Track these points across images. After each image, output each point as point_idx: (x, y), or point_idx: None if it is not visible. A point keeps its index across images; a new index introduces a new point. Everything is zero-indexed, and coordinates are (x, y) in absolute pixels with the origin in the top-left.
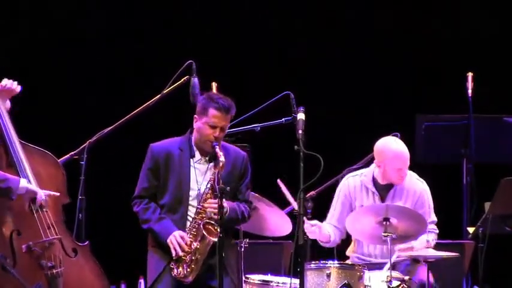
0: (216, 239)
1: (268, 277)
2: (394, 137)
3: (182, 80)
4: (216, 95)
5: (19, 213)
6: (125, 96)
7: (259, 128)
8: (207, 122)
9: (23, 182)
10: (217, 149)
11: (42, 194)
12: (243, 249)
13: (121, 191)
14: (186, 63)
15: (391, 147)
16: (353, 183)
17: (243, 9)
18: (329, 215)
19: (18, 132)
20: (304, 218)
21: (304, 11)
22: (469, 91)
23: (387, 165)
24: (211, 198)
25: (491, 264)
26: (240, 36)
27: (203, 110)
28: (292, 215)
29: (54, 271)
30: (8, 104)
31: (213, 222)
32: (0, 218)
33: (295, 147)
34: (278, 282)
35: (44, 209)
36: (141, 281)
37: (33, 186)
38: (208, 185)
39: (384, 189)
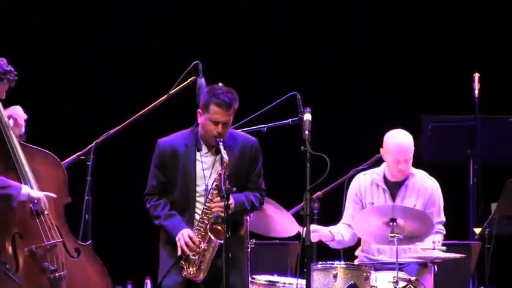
0: (223, 241)
1: (275, 278)
2: (403, 130)
3: (189, 80)
4: (218, 89)
5: (21, 217)
6: (132, 97)
7: (266, 129)
8: (209, 118)
9: (24, 189)
10: (221, 146)
11: (44, 198)
12: (249, 250)
13: (127, 191)
14: (192, 64)
15: (394, 137)
16: (363, 181)
17: (249, 9)
18: (343, 215)
19: (24, 134)
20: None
21: (309, 11)
22: (476, 91)
23: (388, 156)
24: (217, 197)
25: (498, 265)
26: (246, 36)
27: (205, 105)
28: (298, 215)
29: (57, 274)
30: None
31: (219, 221)
32: (2, 222)
33: (302, 147)
34: (284, 283)
35: (45, 212)
36: (148, 281)
37: (35, 191)
38: (214, 185)
39: (394, 187)
